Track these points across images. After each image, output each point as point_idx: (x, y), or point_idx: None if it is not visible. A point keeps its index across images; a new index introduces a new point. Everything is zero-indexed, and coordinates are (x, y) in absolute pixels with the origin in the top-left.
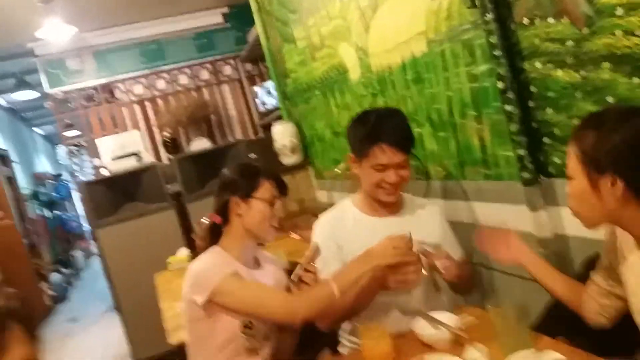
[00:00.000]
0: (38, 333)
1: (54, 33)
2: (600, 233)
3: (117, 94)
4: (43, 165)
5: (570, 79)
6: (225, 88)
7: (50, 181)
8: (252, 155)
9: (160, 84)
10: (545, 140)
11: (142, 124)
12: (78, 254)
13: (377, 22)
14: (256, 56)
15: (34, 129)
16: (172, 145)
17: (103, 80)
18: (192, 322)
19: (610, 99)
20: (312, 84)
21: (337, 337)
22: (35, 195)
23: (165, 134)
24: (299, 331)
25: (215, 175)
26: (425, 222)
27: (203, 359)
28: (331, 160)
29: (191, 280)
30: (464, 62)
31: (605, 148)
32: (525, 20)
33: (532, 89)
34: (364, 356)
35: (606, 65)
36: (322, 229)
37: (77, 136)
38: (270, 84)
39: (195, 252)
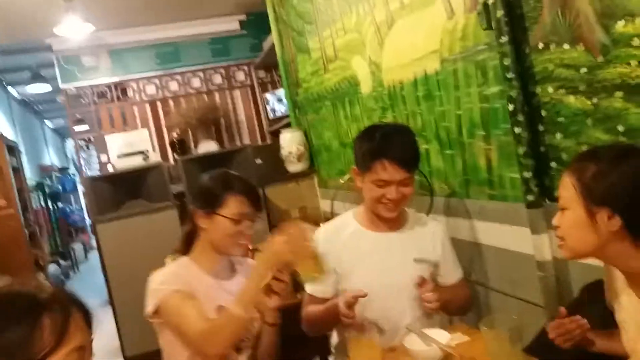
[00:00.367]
0: (92, 320)
1: (72, 30)
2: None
3: (130, 92)
4: (51, 157)
5: (581, 106)
6: (237, 93)
7: (56, 174)
8: (258, 161)
9: (173, 85)
10: (553, 164)
11: (151, 123)
12: (78, 247)
13: (392, 38)
14: (270, 64)
15: (45, 121)
16: (180, 146)
17: (116, 79)
18: (161, 326)
19: (621, 128)
20: (323, 95)
21: (328, 345)
22: (40, 187)
23: (174, 134)
24: (279, 333)
25: None
26: (426, 240)
27: None
28: (336, 170)
29: (148, 289)
30: (476, 83)
31: (605, 183)
32: (541, 45)
33: (543, 113)
34: None
35: (619, 94)
36: (318, 242)
37: (87, 131)
38: (281, 92)
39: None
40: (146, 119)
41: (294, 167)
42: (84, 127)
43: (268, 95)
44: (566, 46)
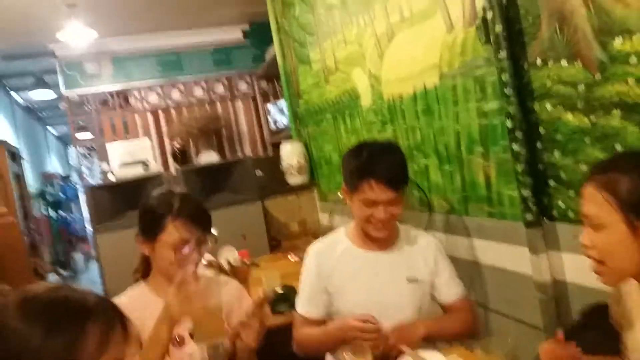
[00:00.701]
0: (132, 334)
1: (75, 36)
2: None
3: (132, 101)
4: (54, 165)
5: (579, 124)
6: (239, 103)
7: (58, 181)
8: (258, 173)
9: (175, 94)
10: (551, 183)
11: (153, 132)
12: (79, 257)
13: (392, 51)
14: (272, 74)
15: (49, 128)
16: (181, 156)
17: (119, 86)
18: None
19: (618, 147)
20: (323, 107)
21: None
22: (41, 195)
23: (176, 144)
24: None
25: (219, 190)
26: (418, 258)
27: None
28: (336, 183)
29: None
30: (474, 98)
31: None
32: (539, 61)
33: (541, 130)
34: None
35: (616, 112)
36: (309, 262)
37: (89, 139)
38: (283, 103)
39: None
40: (148, 128)
41: (294, 179)
42: (86, 135)
43: (270, 106)
44: (564, 62)
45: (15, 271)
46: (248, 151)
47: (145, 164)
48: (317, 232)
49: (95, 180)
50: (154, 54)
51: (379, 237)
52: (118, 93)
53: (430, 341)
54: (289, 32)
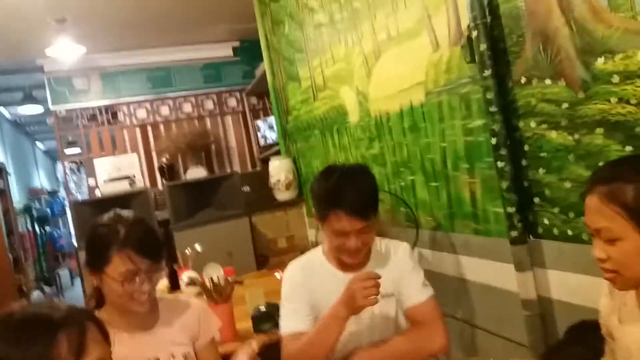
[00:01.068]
0: (108, 333)
1: (64, 52)
2: (586, 299)
3: (120, 116)
4: (41, 180)
5: (563, 141)
6: (228, 119)
7: (45, 197)
8: (245, 188)
9: (164, 110)
10: (536, 200)
11: (141, 147)
12: (64, 273)
13: (379, 69)
14: (262, 91)
15: (37, 143)
16: (169, 172)
17: (107, 102)
18: None
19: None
20: (312, 123)
21: None
22: (27, 210)
23: (164, 159)
24: None
25: (205, 206)
26: (390, 271)
27: None
28: None
29: None
30: (460, 115)
31: None
32: (523, 80)
33: (526, 147)
34: None
35: (600, 130)
36: (292, 275)
37: (77, 154)
38: (273, 119)
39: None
40: (136, 143)
41: (282, 195)
42: (74, 150)
43: (259, 122)
44: (548, 81)
45: None
46: (237, 167)
47: (131, 179)
48: (305, 248)
49: (82, 195)
50: (143, 70)
51: (353, 262)
52: (106, 108)
53: None
54: (278, 50)
